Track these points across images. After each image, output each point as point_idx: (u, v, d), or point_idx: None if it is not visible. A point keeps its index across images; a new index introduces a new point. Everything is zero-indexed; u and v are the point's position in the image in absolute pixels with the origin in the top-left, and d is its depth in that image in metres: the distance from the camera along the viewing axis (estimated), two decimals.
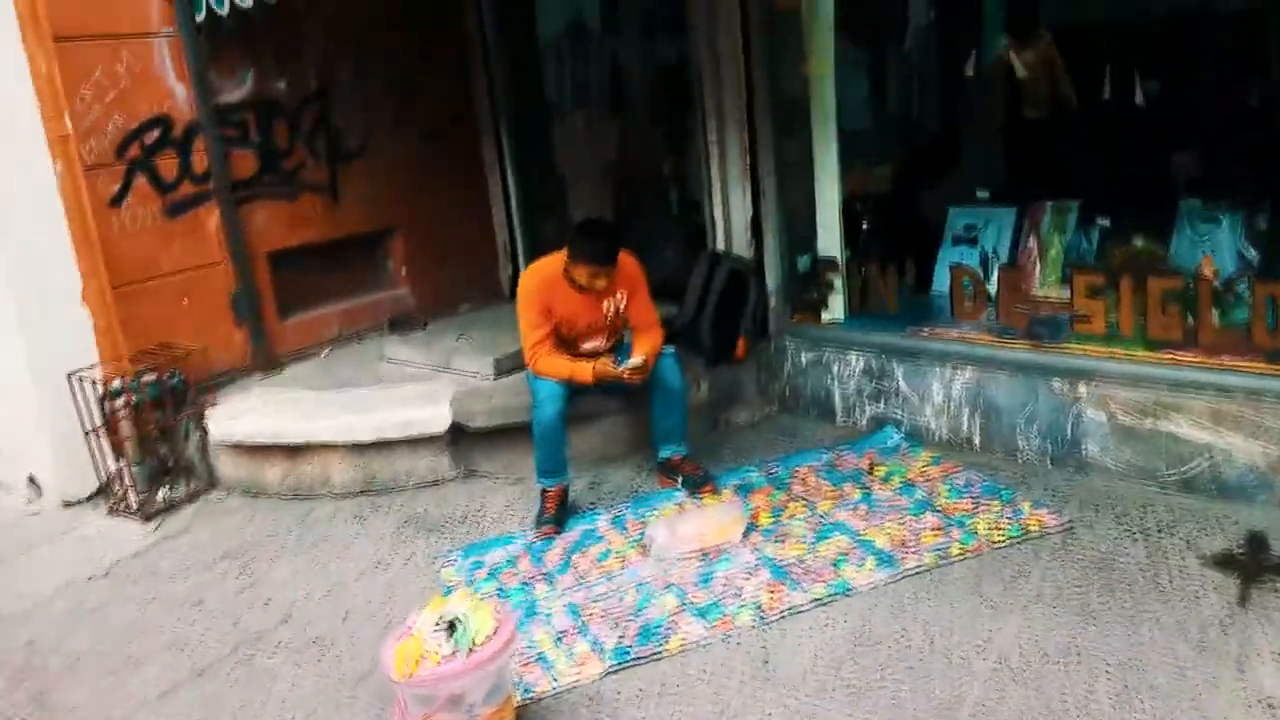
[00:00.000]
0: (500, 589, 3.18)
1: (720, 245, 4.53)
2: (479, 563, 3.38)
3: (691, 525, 3.32)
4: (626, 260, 3.58)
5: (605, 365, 3.48)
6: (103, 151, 4.08)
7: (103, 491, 4.15)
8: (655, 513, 3.59)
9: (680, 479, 3.73)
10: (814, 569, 3.09)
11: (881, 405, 4.10)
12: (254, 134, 4.64)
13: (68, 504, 4.14)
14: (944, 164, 5.30)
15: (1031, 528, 3.20)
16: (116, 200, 4.15)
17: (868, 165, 4.92)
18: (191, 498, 4.16)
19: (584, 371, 3.48)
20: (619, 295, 3.61)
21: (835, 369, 4.20)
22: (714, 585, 3.06)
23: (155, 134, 4.26)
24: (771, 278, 4.40)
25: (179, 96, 4.32)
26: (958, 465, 3.72)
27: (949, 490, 3.52)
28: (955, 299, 4.13)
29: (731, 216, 4.46)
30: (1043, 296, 4.13)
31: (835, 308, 4.34)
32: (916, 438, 3.99)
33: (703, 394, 4.29)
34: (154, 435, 4.07)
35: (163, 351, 4.25)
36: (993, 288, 4.08)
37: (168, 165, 4.32)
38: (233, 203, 4.53)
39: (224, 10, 4.05)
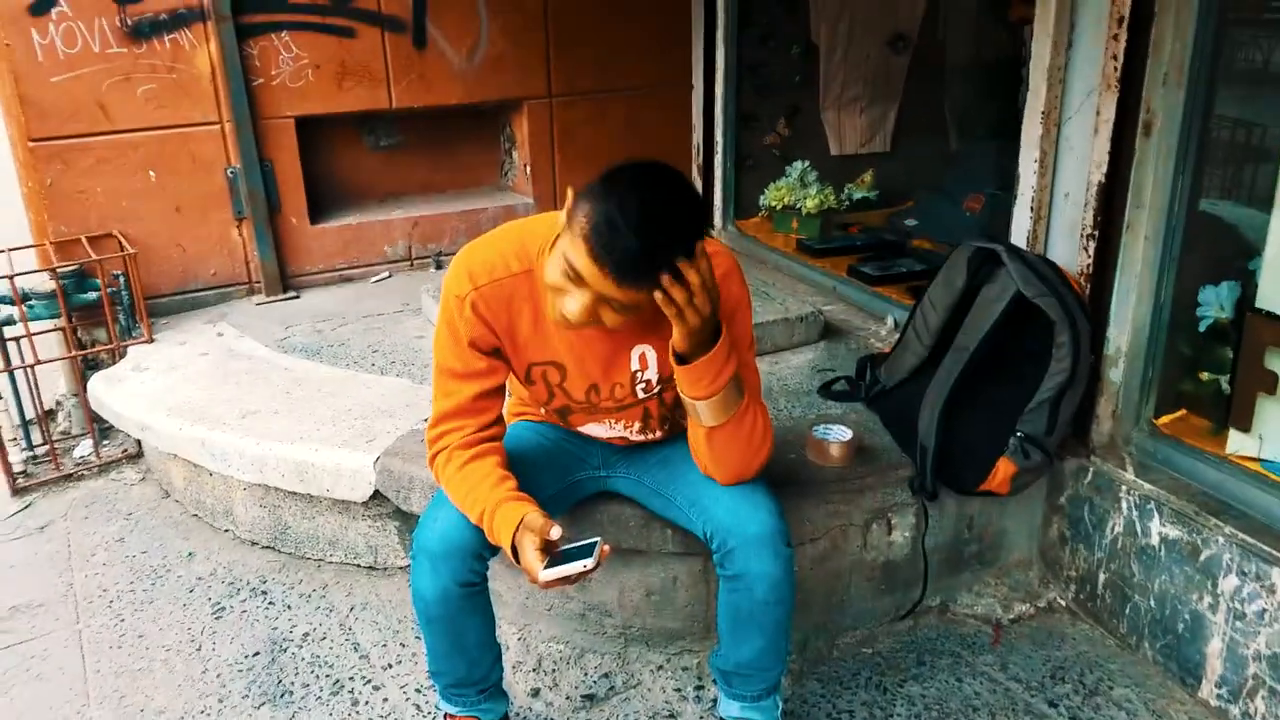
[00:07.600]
0: None
1: (1020, 234, 2.10)
2: None
3: None
4: (713, 260, 1.39)
5: (531, 537, 1.34)
6: None
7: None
8: None
9: None
10: None
11: None
12: None
13: None
14: None
15: None
16: (40, 6, 2.65)
17: None
18: (103, 469, 2.77)
19: (501, 533, 1.40)
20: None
21: (1230, 580, 1.73)
22: None
23: None
24: (1120, 330, 1.92)
25: None
26: None
27: None
28: None
29: (1059, 169, 1.99)
30: None
31: (1272, 430, 1.79)
32: None
33: (896, 542, 2.02)
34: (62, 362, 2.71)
35: (106, 244, 2.84)
36: None
37: None
38: (241, 30, 2.89)
39: None
